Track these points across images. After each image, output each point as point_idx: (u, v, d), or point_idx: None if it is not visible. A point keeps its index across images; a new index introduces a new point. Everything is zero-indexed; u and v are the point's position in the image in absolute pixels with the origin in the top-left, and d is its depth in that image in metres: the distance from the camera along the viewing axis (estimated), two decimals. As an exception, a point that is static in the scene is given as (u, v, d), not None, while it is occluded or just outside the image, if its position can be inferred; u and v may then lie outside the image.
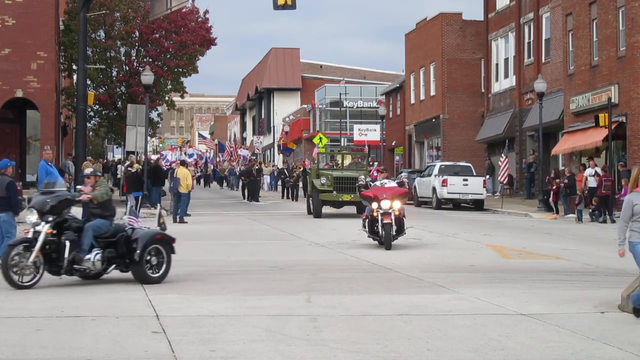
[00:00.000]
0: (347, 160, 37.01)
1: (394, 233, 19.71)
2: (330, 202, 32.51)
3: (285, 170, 50.41)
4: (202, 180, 75.78)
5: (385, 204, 19.56)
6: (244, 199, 46.88)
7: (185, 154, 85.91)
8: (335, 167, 36.58)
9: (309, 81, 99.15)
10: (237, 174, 60.70)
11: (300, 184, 46.93)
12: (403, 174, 22.56)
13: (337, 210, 33.94)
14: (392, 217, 19.54)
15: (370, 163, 47.06)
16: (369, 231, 20.11)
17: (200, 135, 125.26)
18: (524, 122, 46.72)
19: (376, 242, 20.24)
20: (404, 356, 8.97)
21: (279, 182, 60.55)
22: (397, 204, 19.69)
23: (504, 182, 42.63)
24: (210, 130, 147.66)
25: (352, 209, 33.04)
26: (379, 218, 19.64)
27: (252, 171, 46.24)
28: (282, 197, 49.85)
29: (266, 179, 61.17)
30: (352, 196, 30.92)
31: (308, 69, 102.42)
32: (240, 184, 52.62)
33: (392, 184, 20.71)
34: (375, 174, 46.73)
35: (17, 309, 11.55)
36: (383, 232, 19.72)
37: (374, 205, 19.67)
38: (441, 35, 57.13)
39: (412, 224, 28.73)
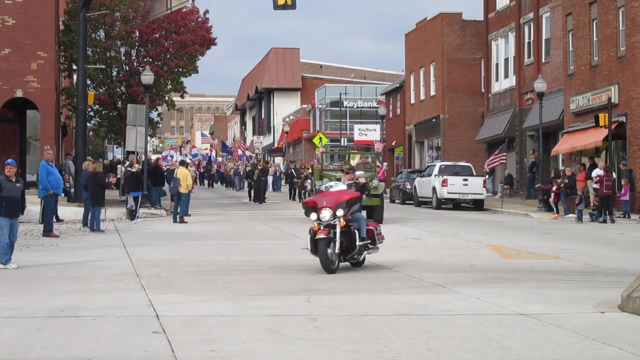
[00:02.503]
0: (355, 161, 34.95)
1: (336, 251, 15.50)
2: None
3: (293, 171, 49.86)
4: (205, 181, 75.43)
5: (326, 214, 15.56)
6: (250, 199, 46.20)
7: (187, 154, 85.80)
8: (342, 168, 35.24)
9: (309, 81, 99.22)
10: (242, 174, 60.48)
11: (308, 186, 46.00)
12: (359, 173, 17.32)
13: None
14: (337, 230, 15.46)
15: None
16: (311, 249, 15.69)
17: (203, 135, 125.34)
18: (524, 122, 46.74)
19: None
20: (404, 356, 8.96)
21: (283, 183, 60.34)
22: (341, 213, 15.57)
23: (487, 170, 42.76)
24: (210, 130, 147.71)
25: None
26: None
27: (255, 172, 45.91)
28: (290, 198, 48.85)
29: (269, 180, 60.88)
30: None
31: (308, 69, 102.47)
32: (246, 184, 52.37)
33: (340, 187, 16.59)
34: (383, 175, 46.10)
35: (17, 309, 11.55)
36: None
37: (313, 216, 15.75)
38: (441, 35, 57.16)
39: (417, 225, 28.84)
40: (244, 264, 17.26)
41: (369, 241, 16.29)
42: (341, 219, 15.56)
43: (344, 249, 15.73)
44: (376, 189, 28.65)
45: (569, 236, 25.14)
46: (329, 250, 15.41)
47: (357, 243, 15.80)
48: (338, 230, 15.46)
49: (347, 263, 16.18)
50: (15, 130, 37.07)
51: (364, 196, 28.31)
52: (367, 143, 64.27)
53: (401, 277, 15.26)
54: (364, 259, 16.60)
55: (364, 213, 30.67)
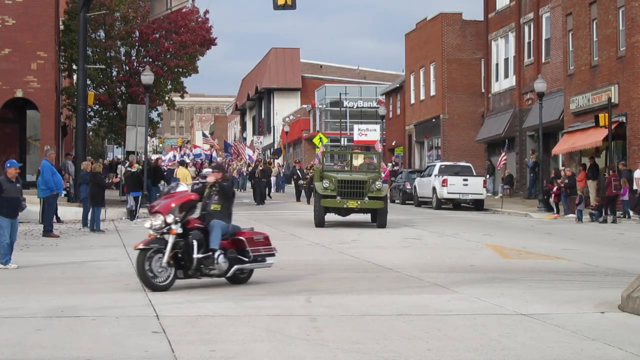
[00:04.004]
0: (359, 161, 33.22)
1: (163, 264, 13.32)
2: (334, 209, 28.36)
3: (298, 171, 49.34)
4: None
5: (157, 221, 13.60)
6: (255, 201, 45.12)
7: (186, 155, 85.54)
8: (345, 168, 32.65)
9: (309, 81, 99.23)
10: (245, 174, 60.35)
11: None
12: (206, 171, 15.58)
13: (343, 218, 29.46)
14: (169, 240, 13.39)
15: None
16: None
17: (204, 135, 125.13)
18: (524, 122, 46.72)
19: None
20: (404, 356, 8.96)
21: (283, 183, 60.12)
22: (171, 219, 13.50)
23: (499, 168, 42.93)
24: (210, 130, 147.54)
25: (362, 216, 29.79)
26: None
27: (256, 172, 45.54)
28: (297, 199, 47.65)
29: (272, 180, 60.57)
30: (359, 203, 27.30)
31: (308, 69, 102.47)
32: (248, 184, 52.08)
33: (181, 188, 14.51)
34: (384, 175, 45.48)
35: (17, 309, 11.55)
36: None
37: (147, 223, 13.96)
38: (441, 35, 57.16)
39: (417, 225, 28.83)
40: (244, 264, 17.20)
41: (236, 254, 14.06)
42: (172, 227, 13.45)
43: (184, 263, 13.61)
44: (379, 191, 27.41)
45: (569, 236, 25.13)
46: (156, 263, 13.34)
47: (194, 256, 13.53)
48: (170, 240, 13.38)
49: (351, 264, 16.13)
50: (15, 130, 37.09)
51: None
52: (366, 143, 64.22)
53: (401, 277, 15.26)
54: (246, 275, 14.34)
55: (367, 216, 30.35)
